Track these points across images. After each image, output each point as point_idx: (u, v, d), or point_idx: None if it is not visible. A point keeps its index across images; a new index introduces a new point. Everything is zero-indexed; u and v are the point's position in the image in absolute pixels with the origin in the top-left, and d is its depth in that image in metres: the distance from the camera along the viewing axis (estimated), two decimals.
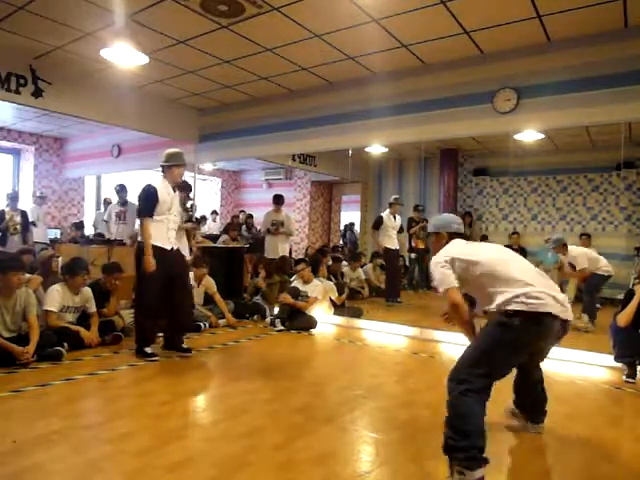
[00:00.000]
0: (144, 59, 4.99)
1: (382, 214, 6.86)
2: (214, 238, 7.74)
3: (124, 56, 4.90)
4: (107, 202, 8.29)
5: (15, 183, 9.15)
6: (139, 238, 3.97)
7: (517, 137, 5.16)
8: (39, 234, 7.27)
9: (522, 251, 7.19)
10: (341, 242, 9.71)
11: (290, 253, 8.27)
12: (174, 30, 4.52)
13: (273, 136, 6.40)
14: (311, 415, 2.76)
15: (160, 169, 4.16)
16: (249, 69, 5.47)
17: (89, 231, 8.21)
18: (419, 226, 7.46)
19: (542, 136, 5.24)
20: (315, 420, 2.68)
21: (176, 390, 3.23)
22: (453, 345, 4.41)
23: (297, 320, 5.26)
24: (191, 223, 5.52)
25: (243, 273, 6.75)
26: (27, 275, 4.16)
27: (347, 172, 7.03)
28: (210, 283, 5.41)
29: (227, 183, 10.97)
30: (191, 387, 3.34)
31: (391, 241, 6.77)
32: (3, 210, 6.61)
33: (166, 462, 2.13)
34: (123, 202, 7.10)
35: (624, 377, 3.59)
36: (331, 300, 5.88)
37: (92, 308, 4.27)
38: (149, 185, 3.97)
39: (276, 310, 5.55)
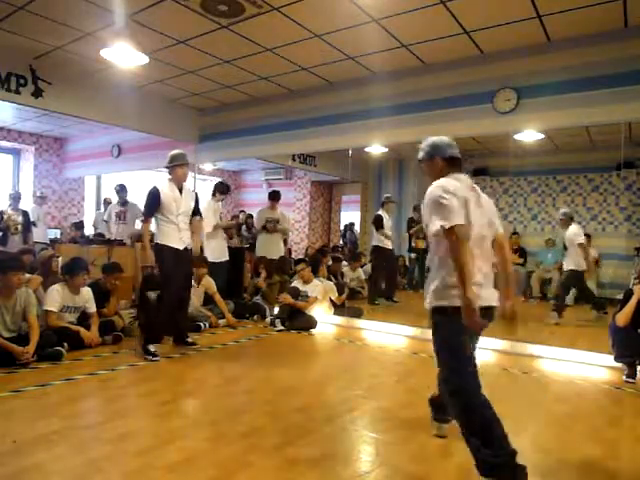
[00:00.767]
0: (144, 59, 4.99)
1: (379, 212, 6.80)
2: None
3: (124, 56, 4.89)
4: (107, 202, 8.28)
5: (15, 183, 9.14)
6: (156, 240, 4.10)
7: (517, 137, 5.16)
8: (39, 234, 7.27)
9: (522, 251, 7.20)
10: (341, 242, 9.71)
11: (290, 253, 8.29)
12: (174, 30, 4.52)
13: (273, 136, 6.40)
14: (311, 415, 2.76)
15: (167, 171, 4.22)
16: (249, 69, 5.47)
17: (89, 231, 8.21)
18: (419, 226, 7.46)
19: (542, 136, 5.24)
20: (315, 420, 2.68)
21: (176, 390, 3.23)
22: None
23: (297, 320, 5.27)
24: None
25: (243, 273, 6.75)
26: (27, 275, 4.16)
27: (347, 172, 7.02)
28: (210, 283, 5.41)
29: (227, 183, 10.96)
30: (191, 387, 3.34)
31: (385, 240, 6.68)
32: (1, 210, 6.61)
33: (166, 462, 2.13)
34: (123, 202, 7.10)
35: (624, 377, 3.60)
36: (331, 300, 5.88)
37: (92, 308, 4.27)
38: (153, 187, 4.09)
39: (276, 310, 5.55)
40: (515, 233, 7.25)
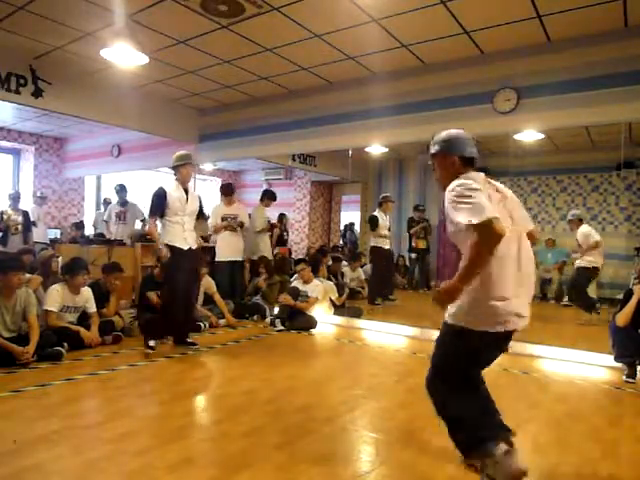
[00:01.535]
0: (144, 59, 4.97)
1: (375, 213, 6.65)
2: (205, 239, 7.74)
3: (124, 56, 4.88)
4: (107, 202, 8.29)
5: (15, 183, 9.14)
6: (165, 241, 4.11)
7: (517, 137, 5.15)
8: (39, 234, 7.27)
9: None
10: (341, 242, 9.71)
11: (290, 253, 8.29)
12: (174, 30, 4.52)
13: (273, 136, 6.40)
14: (311, 415, 2.76)
15: (173, 172, 4.27)
16: (249, 69, 5.47)
17: (89, 231, 8.21)
18: (420, 226, 7.47)
19: (542, 136, 5.24)
20: (315, 420, 2.68)
21: (176, 390, 3.23)
22: None
23: (297, 320, 5.27)
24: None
25: (244, 273, 6.73)
26: (27, 275, 4.16)
27: (347, 172, 7.02)
28: (210, 283, 5.41)
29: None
30: (191, 387, 3.34)
31: (382, 240, 6.56)
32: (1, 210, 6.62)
33: (166, 462, 2.13)
34: (123, 202, 7.10)
35: (624, 377, 3.60)
36: (331, 300, 5.88)
37: (92, 308, 4.27)
38: (160, 187, 4.15)
39: (276, 310, 5.55)
40: None
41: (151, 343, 4.04)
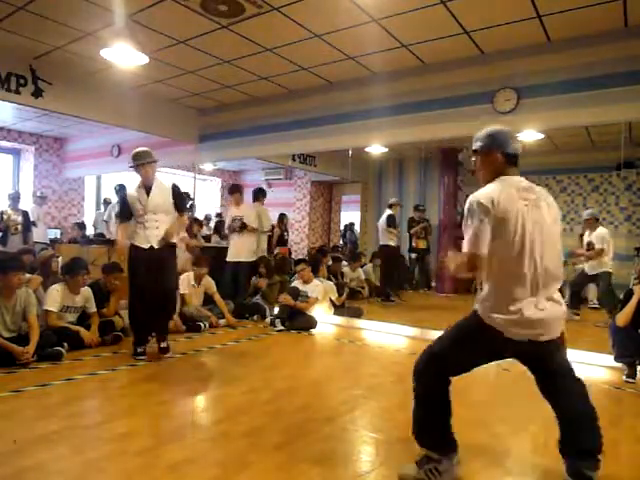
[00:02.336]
0: (144, 59, 4.99)
1: (391, 212, 6.90)
2: (207, 238, 7.77)
3: (124, 56, 4.90)
4: (107, 202, 8.29)
5: (15, 183, 9.15)
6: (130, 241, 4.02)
7: (517, 137, 5.15)
8: (39, 234, 7.27)
9: None
10: (341, 242, 9.71)
11: (290, 253, 8.29)
12: (174, 30, 4.52)
13: (273, 136, 6.40)
14: (311, 415, 2.76)
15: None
16: (249, 69, 5.47)
17: (89, 231, 8.21)
18: (420, 226, 7.47)
19: (542, 136, 5.24)
20: (315, 420, 2.68)
21: (176, 390, 3.23)
22: None
23: (297, 320, 5.26)
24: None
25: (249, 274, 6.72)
26: (27, 275, 4.16)
27: (347, 172, 7.03)
28: (210, 283, 5.41)
29: (227, 183, 10.96)
30: (191, 387, 3.34)
31: (388, 238, 6.79)
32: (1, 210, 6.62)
33: (166, 462, 2.13)
34: None
35: (624, 377, 3.60)
36: (331, 300, 5.88)
37: (92, 308, 4.27)
38: (123, 192, 4.11)
39: (276, 310, 5.55)
40: None
41: (138, 349, 3.90)
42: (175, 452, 2.23)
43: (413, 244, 7.55)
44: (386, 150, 6.49)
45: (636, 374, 3.59)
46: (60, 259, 5.36)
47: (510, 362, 2.22)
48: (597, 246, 5.41)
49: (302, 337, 5.03)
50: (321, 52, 4.87)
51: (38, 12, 4.21)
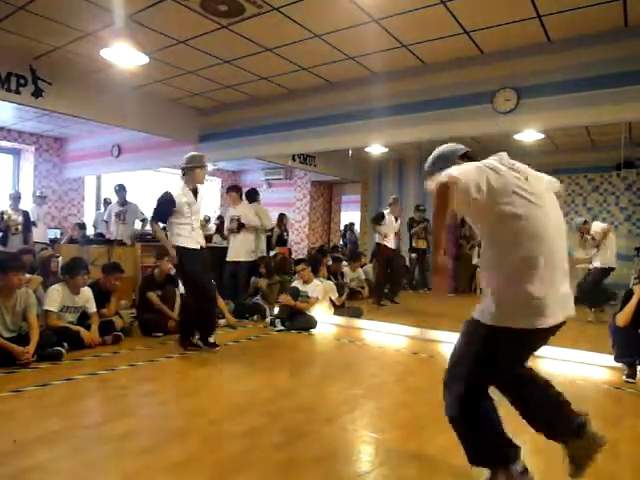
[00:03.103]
0: (144, 59, 4.99)
1: (383, 211, 6.77)
2: (208, 239, 7.77)
3: (124, 56, 4.90)
4: (107, 202, 8.29)
5: (15, 183, 9.14)
6: (175, 243, 4.07)
7: (517, 137, 5.16)
8: (39, 234, 7.27)
9: None
10: (341, 242, 9.71)
11: (290, 253, 8.29)
12: (174, 30, 4.52)
13: (273, 136, 6.40)
14: (311, 415, 2.76)
15: (181, 172, 4.22)
16: (249, 69, 5.47)
17: (89, 231, 8.20)
18: (420, 226, 7.46)
19: (542, 136, 5.24)
20: (315, 420, 2.68)
21: (176, 390, 3.23)
22: (453, 345, 4.41)
23: (297, 320, 5.27)
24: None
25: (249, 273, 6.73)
26: (27, 275, 4.16)
27: (347, 172, 7.03)
28: None
29: (227, 183, 10.96)
30: (191, 387, 3.34)
31: (384, 239, 6.68)
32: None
33: (166, 462, 2.13)
34: (123, 202, 7.10)
35: (624, 377, 3.60)
36: (331, 300, 5.88)
37: (92, 308, 4.27)
38: (167, 193, 4.08)
39: (276, 310, 5.55)
40: None
41: (194, 340, 4.19)
42: (175, 452, 2.23)
43: (413, 244, 7.54)
44: (386, 150, 6.49)
45: (636, 374, 3.59)
46: (60, 259, 5.36)
47: None
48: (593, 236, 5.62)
49: (302, 337, 5.03)
50: (321, 52, 4.87)
51: (38, 12, 4.21)
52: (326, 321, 5.65)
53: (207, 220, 9.65)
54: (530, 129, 4.81)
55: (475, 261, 6.62)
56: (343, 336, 5.16)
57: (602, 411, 3.07)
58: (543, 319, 1.71)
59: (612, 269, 5.58)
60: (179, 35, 4.61)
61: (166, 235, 4.12)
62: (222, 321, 5.32)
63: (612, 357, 3.72)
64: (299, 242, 9.44)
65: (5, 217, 6.50)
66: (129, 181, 7.62)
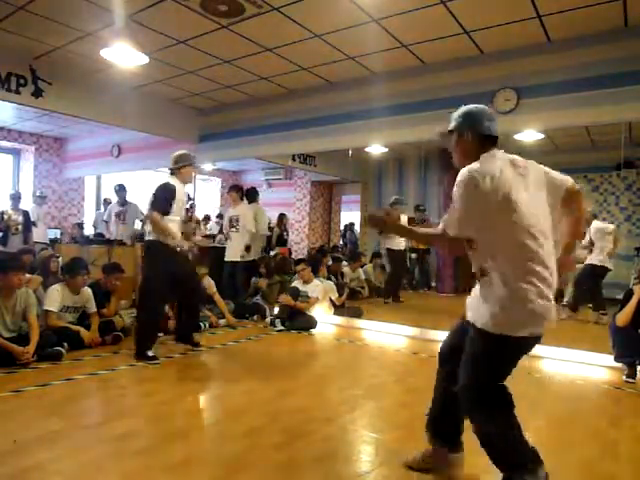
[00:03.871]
0: (144, 59, 4.99)
1: None
2: (213, 237, 7.78)
3: (124, 56, 4.90)
4: (107, 202, 8.29)
5: (15, 183, 9.15)
6: (148, 237, 3.94)
7: (517, 137, 5.15)
8: (39, 234, 7.27)
9: None
10: (341, 242, 9.70)
11: (290, 253, 8.29)
12: (174, 30, 4.52)
13: (273, 136, 6.40)
14: (311, 415, 2.76)
15: (169, 172, 4.12)
16: (249, 69, 5.47)
17: (89, 231, 8.21)
18: (420, 226, 7.47)
19: (542, 136, 5.24)
20: (315, 420, 2.68)
21: (176, 390, 3.23)
22: None
23: (297, 320, 5.26)
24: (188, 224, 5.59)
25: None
26: (27, 275, 4.16)
27: (347, 172, 7.03)
28: (210, 283, 5.41)
29: (227, 183, 10.96)
30: (191, 387, 3.34)
31: (393, 242, 6.72)
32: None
33: (166, 462, 2.13)
34: (123, 202, 7.10)
35: (624, 377, 3.60)
36: (331, 300, 5.88)
37: (92, 308, 4.27)
38: (168, 182, 3.93)
39: (276, 310, 5.55)
40: None
41: (149, 353, 3.81)
42: (175, 452, 2.23)
43: (413, 244, 7.55)
44: (386, 150, 6.48)
45: (636, 374, 3.59)
46: (60, 259, 5.36)
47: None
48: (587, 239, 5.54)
49: (302, 337, 5.03)
50: (321, 52, 4.87)
51: (38, 12, 4.21)
52: (326, 321, 5.65)
53: (207, 218, 9.66)
54: (530, 129, 4.81)
55: None
56: (343, 336, 5.16)
57: (602, 411, 3.07)
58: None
59: (606, 269, 5.54)
60: (179, 35, 4.61)
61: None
62: (222, 321, 5.32)
63: (612, 357, 3.72)
64: (299, 242, 9.44)
65: (5, 217, 6.50)
66: (129, 181, 7.62)
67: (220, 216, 9.86)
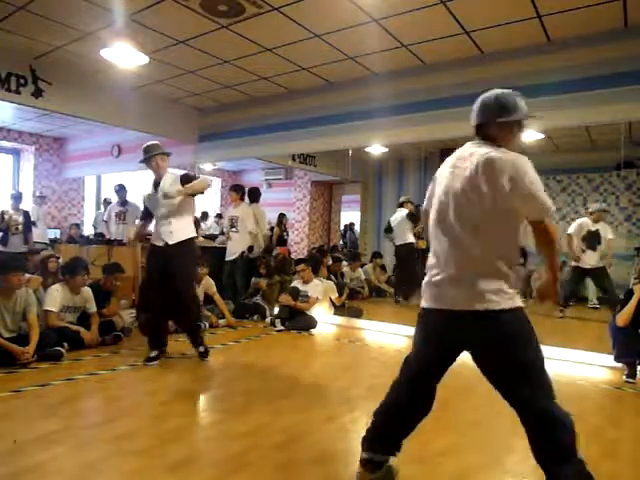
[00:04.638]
0: (144, 59, 4.99)
1: (408, 210, 6.78)
2: (214, 237, 7.77)
3: (124, 56, 4.90)
4: (107, 202, 8.28)
5: (15, 183, 9.15)
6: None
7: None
8: (39, 234, 7.27)
9: (523, 251, 7.19)
10: (341, 242, 9.70)
11: (290, 253, 8.29)
12: (174, 30, 4.52)
13: (273, 136, 6.40)
14: (311, 415, 2.76)
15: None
16: (249, 69, 5.47)
17: (89, 231, 8.20)
18: (421, 226, 7.46)
19: (542, 136, 5.24)
20: (315, 420, 2.68)
21: (176, 390, 3.23)
22: None
23: (297, 320, 5.27)
24: None
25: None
26: (27, 275, 4.16)
27: (347, 172, 7.02)
28: (210, 283, 5.41)
29: (227, 183, 10.96)
30: (191, 387, 3.34)
31: (397, 237, 6.76)
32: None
33: (166, 462, 2.13)
34: (123, 202, 7.09)
35: (624, 377, 3.60)
36: (331, 300, 5.88)
37: (92, 308, 4.27)
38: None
39: (276, 310, 5.55)
40: None
41: (151, 354, 3.80)
42: (175, 452, 2.23)
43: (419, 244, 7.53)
44: (386, 150, 6.48)
45: (636, 374, 3.59)
46: (60, 259, 5.36)
47: None
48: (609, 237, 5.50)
49: (302, 337, 5.03)
50: (321, 52, 4.87)
51: (38, 12, 4.21)
52: (326, 321, 5.65)
53: (205, 215, 9.64)
54: (530, 129, 4.80)
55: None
56: (343, 336, 5.16)
57: (602, 411, 3.07)
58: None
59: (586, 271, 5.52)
60: (179, 35, 4.61)
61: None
62: (222, 321, 5.33)
63: (612, 357, 3.72)
64: (299, 242, 9.44)
65: (5, 217, 6.50)
66: (129, 181, 7.62)
67: (219, 216, 9.87)
